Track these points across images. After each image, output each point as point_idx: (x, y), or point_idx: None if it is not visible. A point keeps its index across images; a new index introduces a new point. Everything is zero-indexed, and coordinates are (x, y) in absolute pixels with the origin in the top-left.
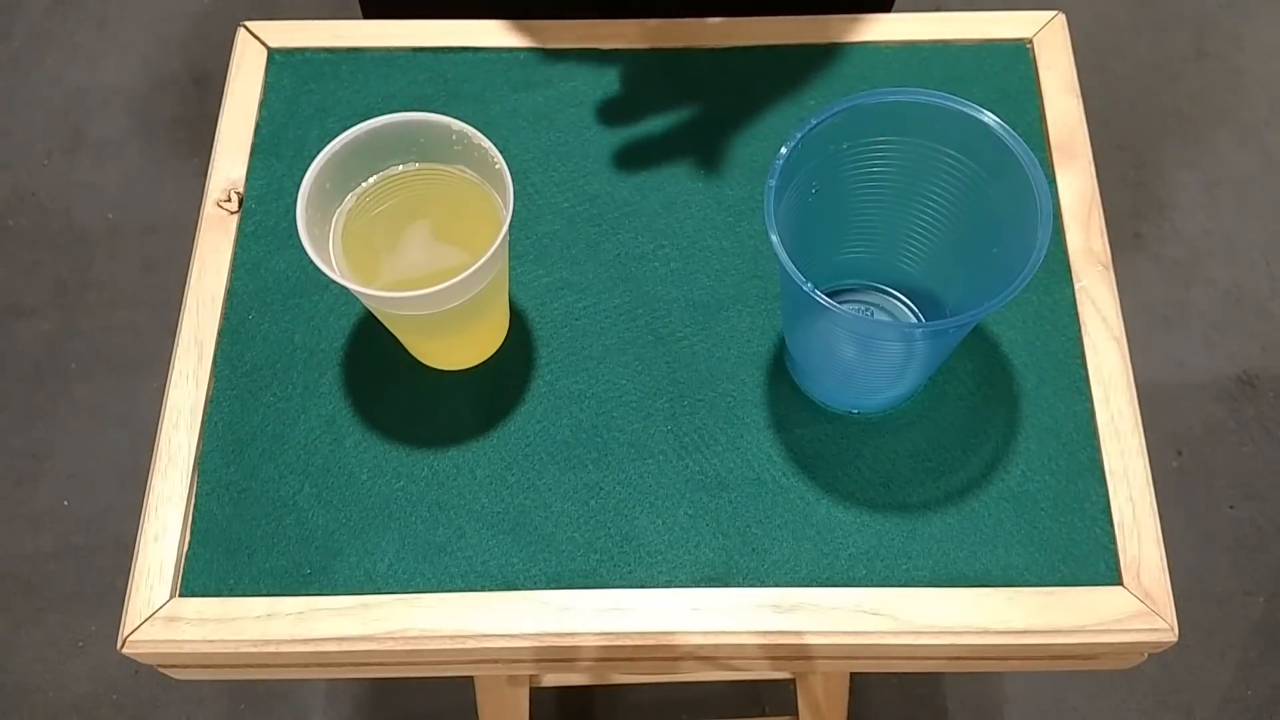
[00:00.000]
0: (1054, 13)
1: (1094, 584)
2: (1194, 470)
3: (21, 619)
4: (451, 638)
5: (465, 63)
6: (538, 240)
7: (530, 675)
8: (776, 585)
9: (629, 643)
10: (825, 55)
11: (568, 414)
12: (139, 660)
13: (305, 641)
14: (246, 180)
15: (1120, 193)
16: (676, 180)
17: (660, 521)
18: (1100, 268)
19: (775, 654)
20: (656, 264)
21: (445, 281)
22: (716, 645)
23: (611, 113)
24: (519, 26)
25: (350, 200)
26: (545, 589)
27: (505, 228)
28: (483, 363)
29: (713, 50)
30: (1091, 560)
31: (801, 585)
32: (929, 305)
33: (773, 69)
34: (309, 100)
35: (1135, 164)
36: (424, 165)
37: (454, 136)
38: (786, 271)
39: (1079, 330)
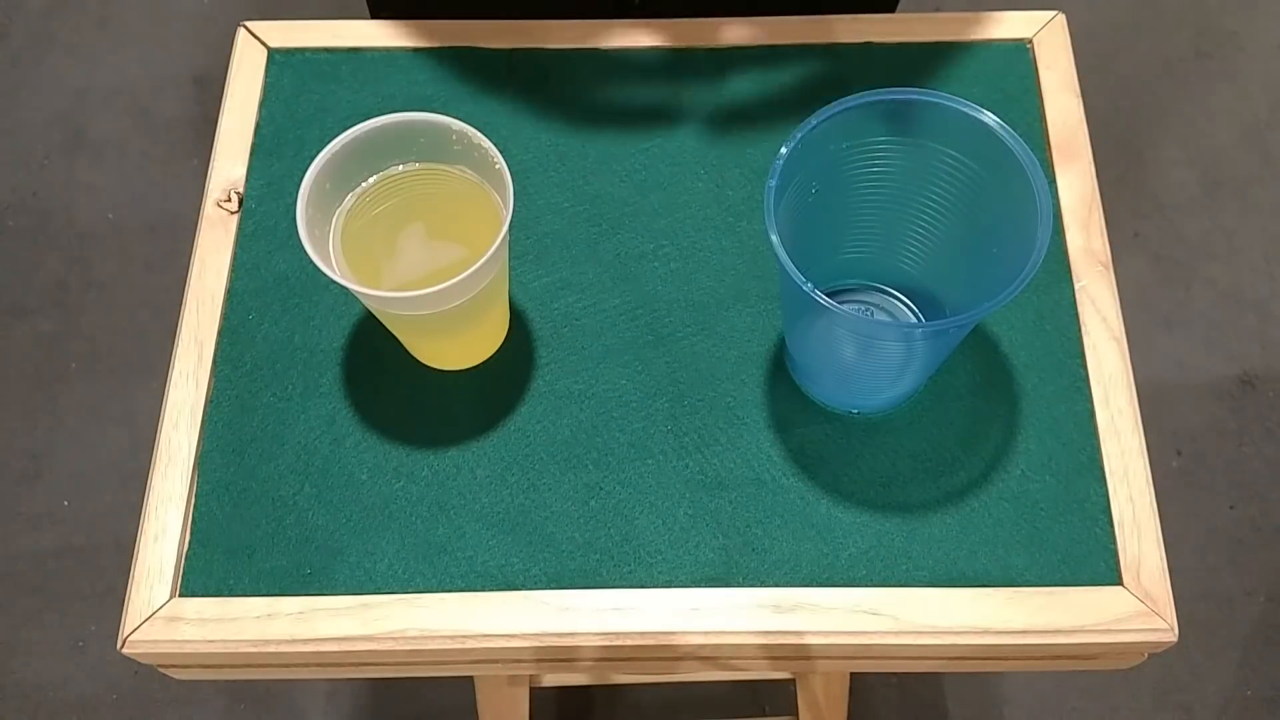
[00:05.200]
0: (1054, 13)
1: (1094, 584)
2: (1194, 470)
3: (21, 619)
4: (451, 638)
5: (465, 63)
6: (538, 240)
7: (530, 675)
8: (776, 585)
9: (629, 643)
10: (825, 55)
11: (568, 414)
12: (139, 660)
13: (305, 641)
14: (246, 180)
15: (1120, 193)
16: (676, 180)
17: (660, 521)
18: (1100, 268)
19: (775, 654)
20: (656, 264)
21: (445, 282)
22: (716, 645)
23: (611, 113)
24: (519, 26)
25: (350, 200)
26: (545, 589)
27: (505, 228)
28: (483, 363)
29: (713, 50)
30: (1091, 560)
31: (801, 585)
32: (929, 305)
33: (773, 69)
34: (309, 100)
35: (1135, 164)
36: (424, 165)
37: (454, 136)
38: (786, 271)
39: (1079, 330)
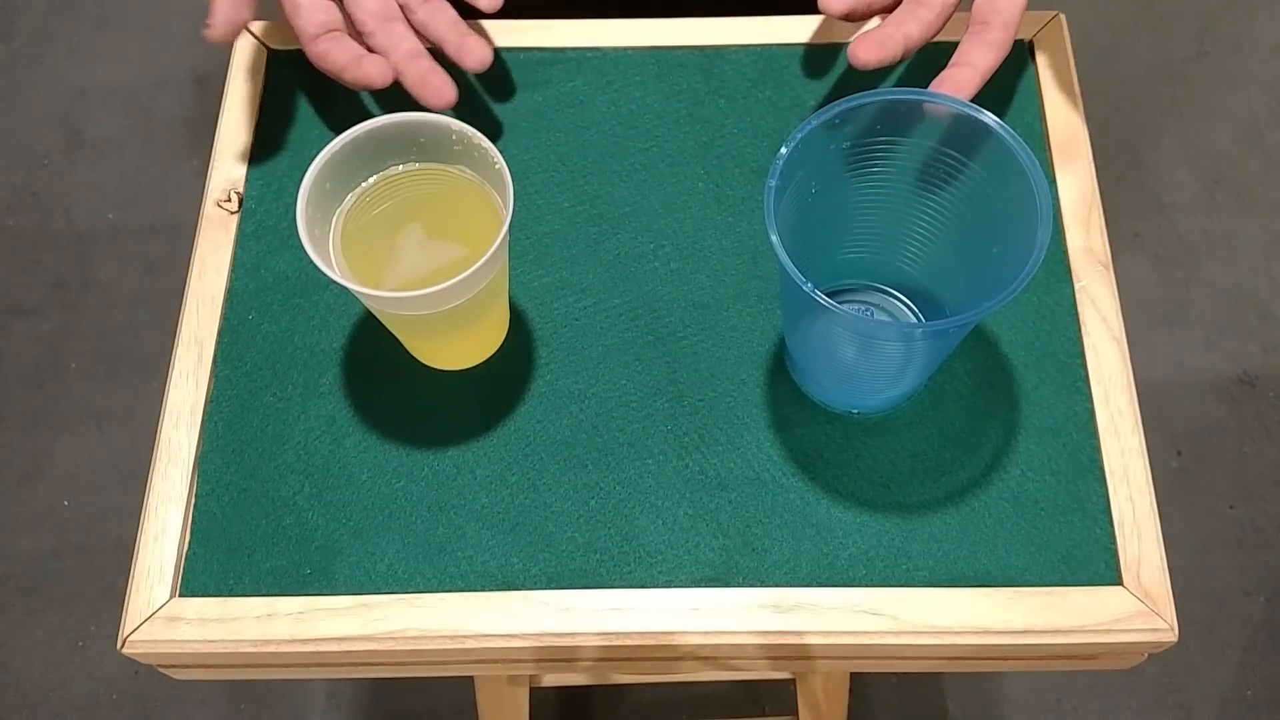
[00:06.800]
0: (1054, 13)
1: (1094, 584)
2: (1194, 470)
3: (21, 619)
4: (451, 638)
5: None
6: (538, 240)
7: (530, 675)
8: (776, 585)
9: (629, 643)
10: (825, 55)
11: (568, 414)
12: (139, 660)
13: (305, 641)
14: (246, 180)
15: (1120, 193)
16: (676, 180)
17: (660, 521)
18: (1100, 268)
19: (775, 654)
20: (656, 264)
21: (445, 281)
22: (716, 645)
23: (611, 113)
24: (519, 26)
25: (350, 200)
26: (545, 589)
27: (505, 228)
28: (483, 363)
29: (713, 50)
30: (1091, 560)
31: (801, 585)
32: (929, 305)
33: (773, 69)
34: (309, 100)
35: (1135, 164)
36: (424, 165)
37: (454, 136)
38: (786, 271)
39: (1079, 330)
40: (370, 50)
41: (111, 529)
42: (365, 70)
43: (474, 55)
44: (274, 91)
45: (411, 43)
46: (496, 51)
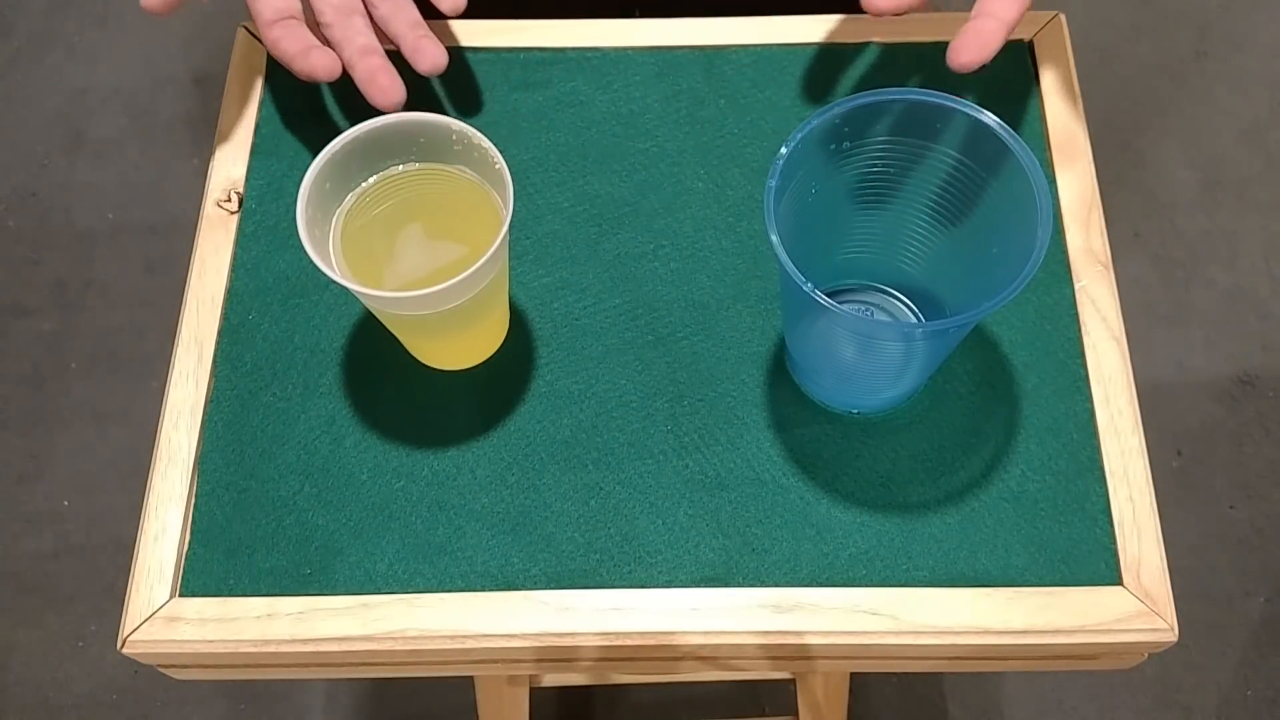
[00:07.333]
0: (1054, 13)
1: (1094, 584)
2: (1194, 470)
3: (21, 619)
4: (451, 638)
5: (465, 63)
6: (538, 240)
7: (530, 675)
8: (776, 585)
9: (629, 643)
10: (825, 55)
11: (568, 414)
12: (139, 660)
13: (305, 641)
14: (246, 180)
15: (1120, 193)
16: (676, 180)
17: (660, 521)
18: (1100, 268)
19: (775, 654)
20: (656, 264)
21: (445, 281)
22: (716, 645)
23: (611, 113)
24: (519, 26)
25: (350, 200)
26: (545, 589)
27: (505, 228)
28: (483, 363)
29: (713, 50)
30: (1091, 560)
31: (801, 585)
32: (929, 305)
33: (773, 69)
34: (309, 100)
35: (1135, 164)
36: (424, 165)
37: (454, 136)
38: (786, 271)
39: (1079, 330)
40: (326, 42)
41: (111, 529)
42: (312, 62)
43: (427, 58)
44: (274, 92)
45: (367, 38)
46: (497, 51)
